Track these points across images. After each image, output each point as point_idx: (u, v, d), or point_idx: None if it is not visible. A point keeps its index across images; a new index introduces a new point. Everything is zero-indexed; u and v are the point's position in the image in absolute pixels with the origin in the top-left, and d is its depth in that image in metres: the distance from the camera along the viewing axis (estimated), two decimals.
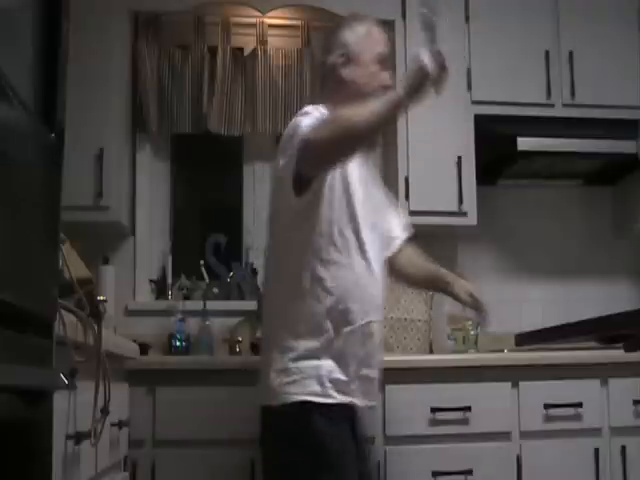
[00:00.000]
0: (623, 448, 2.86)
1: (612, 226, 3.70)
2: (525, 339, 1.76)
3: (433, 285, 2.32)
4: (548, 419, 2.83)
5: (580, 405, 2.84)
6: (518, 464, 2.81)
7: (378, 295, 2.02)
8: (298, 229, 1.96)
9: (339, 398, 1.90)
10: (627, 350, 1.47)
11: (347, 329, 1.93)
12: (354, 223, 1.96)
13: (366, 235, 1.99)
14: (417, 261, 2.35)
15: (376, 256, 2.03)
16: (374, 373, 2.05)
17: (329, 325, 1.92)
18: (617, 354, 1.93)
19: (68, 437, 1.54)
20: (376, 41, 2.09)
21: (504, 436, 2.84)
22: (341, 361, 1.93)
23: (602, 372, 2.89)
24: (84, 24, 2.94)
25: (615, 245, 3.68)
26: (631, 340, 1.40)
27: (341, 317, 1.93)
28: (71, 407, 1.57)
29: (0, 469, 1.05)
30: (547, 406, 2.81)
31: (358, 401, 1.97)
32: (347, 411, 1.93)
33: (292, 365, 1.91)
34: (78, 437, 1.58)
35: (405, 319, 3.23)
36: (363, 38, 2.09)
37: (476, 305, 2.21)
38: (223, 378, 2.73)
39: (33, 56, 1.21)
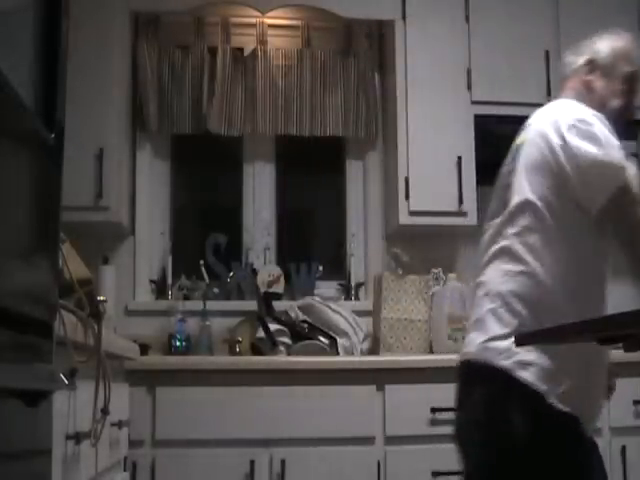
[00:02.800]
0: (623, 448, 2.86)
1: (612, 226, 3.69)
2: (525, 339, 1.75)
3: None
4: None
5: None
6: None
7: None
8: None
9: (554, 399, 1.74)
10: (627, 350, 1.46)
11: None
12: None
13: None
14: None
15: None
16: (592, 389, 1.86)
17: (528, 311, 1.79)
18: (617, 354, 1.92)
19: (68, 437, 1.55)
20: (630, 60, 2.01)
21: None
22: (558, 358, 1.75)
23: None
24: (84, 24, 2.94)
25: (615, 245, 3.67)
26: (631, 340, 1.39)
27: (547, 307, 1.80)
28: (71, 407, 1.57)
29: (0, 469, 1.05)
30: None
31: (576, 412, 1.76)
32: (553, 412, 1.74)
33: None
34: (78, 437, 1.58)
35: (405, 319, 3.23)
36: (617, 52, 2.01)
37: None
38: (223, 378, 2.74)
39: (33, 56, 1.21)
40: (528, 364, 1.75)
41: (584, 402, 1.80)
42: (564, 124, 1.85)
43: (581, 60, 2.04)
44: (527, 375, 1.75)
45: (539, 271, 1.81)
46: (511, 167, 1.95)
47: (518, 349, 1.74)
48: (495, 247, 1.90)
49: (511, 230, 1.87)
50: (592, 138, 1.82)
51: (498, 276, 1.86)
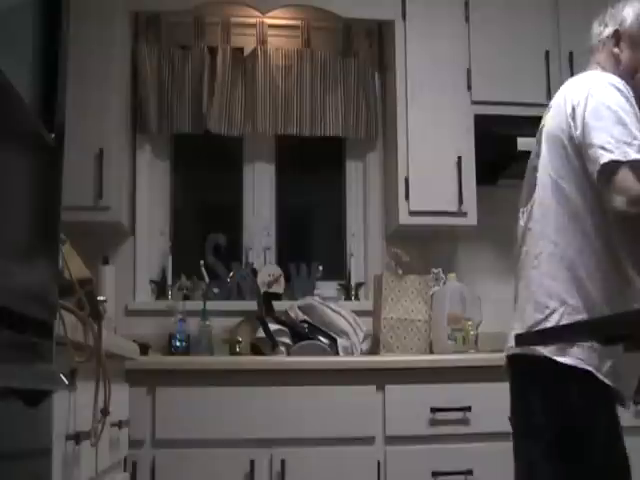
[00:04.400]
0: None
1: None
2: (525, 339, 1.76)
3: None
4: None
5: None
6: None
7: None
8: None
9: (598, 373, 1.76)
10: (627, 350, 1.47)
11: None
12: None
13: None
14: None
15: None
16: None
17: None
18: None
19: (68, 437, 1.54)
20: None
21: (504, 436, 2.82)
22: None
23: None
24: (84, 24, 2.94)
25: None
26: (631, 340, 1.39)
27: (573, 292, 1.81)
28: (71, 407, 1.57)
29: (0, 469, 1.05)
30: None
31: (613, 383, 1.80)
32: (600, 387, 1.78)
33: None
34: (78, 437, 1.57)
35: (405, 319, 3.23)
36: None
37: None
38: (223, 378, 2.73)
39: (33, 56, 1.21)
40: (569, 347, 1.77)
41: (622, 379, 1.83)
42: (576, 97, 1.86)
43: (607, 31, 1.99)
44: (569, 360, 1.77)
45: (569, 250, 1.82)
46: (537, 149, 1.97)
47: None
48: (528, 233, 1.93)
49: (539, 211, 1.89)
50: (599, 113, 1.80)
51: (532, 263, 1.89)
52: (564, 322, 1.80)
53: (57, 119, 1.27)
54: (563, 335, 1.66)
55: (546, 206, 1.87)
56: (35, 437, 1.22)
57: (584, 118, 1.81)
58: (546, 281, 1.84)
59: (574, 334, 1.56)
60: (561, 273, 1.83)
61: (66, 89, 1.32)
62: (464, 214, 3.30)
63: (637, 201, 1.72)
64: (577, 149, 1.84)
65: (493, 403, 2.83)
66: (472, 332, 3.20)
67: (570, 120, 1.84)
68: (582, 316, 1.79)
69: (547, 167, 1.89)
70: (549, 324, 1.81)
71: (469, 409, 2.79)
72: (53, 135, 1.26)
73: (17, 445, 1.12)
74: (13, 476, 1.10)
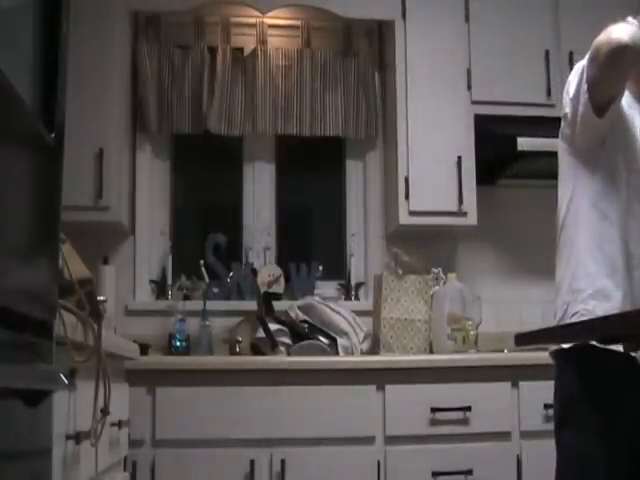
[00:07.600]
0: None
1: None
2: (525, 339, 1.76)
3: None
4: (548, 419, 2.82)
5: None
6: (518, 464, 2.81)
7: None
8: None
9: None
10: (627, 350, 1.47)
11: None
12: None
13: None
14: None
15: None
16: None
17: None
18: None
19: (68, 437, 1.54)
20: None
21: (504, 436, 2.84)
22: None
23: None
24: (84, 24, 2.94)
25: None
26: (631, 340, 1.40)
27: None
28: (71, 407, 1.57)
29: (0, 469, 1.05)
30: (547, 406, 2.80)
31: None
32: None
33: None
34: (78, 437, 1.58)
35: (405, 319, 3.23)
36: None
37: None
38: (223, 378, 2.74)
39: (33, 56, 1.21)
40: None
41: None
42: None
43: None
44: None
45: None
46: None
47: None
48: None
49: None
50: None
51: None
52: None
53: (57, 119, 1.27)
54: (563, 334, 1.66)
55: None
56: (35, 437, 1.22)
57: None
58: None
59: (575, 334, 1.56)
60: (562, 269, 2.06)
61: (66, 89, 1.32)
62: (464, 214, 3.30)
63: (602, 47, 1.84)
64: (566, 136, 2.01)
65: (493, 403, 2.84)
66: (472, 332, 3.20)
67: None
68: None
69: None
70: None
71: (469, 409, 2.79)
72: (53, 135, 1.26)
73: (17, 445, 1.12)
74: (13, 476, 1.10)
